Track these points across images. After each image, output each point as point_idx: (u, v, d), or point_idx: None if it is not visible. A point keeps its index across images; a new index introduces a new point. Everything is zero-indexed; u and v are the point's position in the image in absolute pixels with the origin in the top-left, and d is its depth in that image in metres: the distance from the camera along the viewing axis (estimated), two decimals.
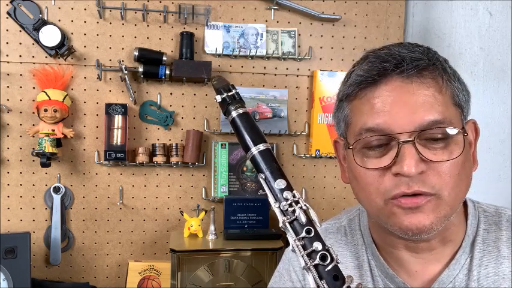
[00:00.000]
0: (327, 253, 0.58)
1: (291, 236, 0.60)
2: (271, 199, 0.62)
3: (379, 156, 0.65)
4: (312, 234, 0.59)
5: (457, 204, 0.67)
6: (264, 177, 0.63)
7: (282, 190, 0.62)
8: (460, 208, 0.72)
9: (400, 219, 0.64)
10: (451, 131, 0.63)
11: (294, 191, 0.61)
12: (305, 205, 0.61)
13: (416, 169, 0.61)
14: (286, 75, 1.67)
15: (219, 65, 1.61)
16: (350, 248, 0.79)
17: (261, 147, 0.64)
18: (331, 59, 1.68)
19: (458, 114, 0.66)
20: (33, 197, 1.54)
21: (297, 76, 1.67)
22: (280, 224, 0.60)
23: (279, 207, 0.61)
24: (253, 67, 1.64)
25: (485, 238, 0.72)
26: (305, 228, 0.59)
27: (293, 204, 0.60)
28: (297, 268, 0.82)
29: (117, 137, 1.52)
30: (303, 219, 0.59)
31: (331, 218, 0.87)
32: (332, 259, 0.58)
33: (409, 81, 0.64)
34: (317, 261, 0.58)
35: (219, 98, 0.66)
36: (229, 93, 0.66)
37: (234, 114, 0.65)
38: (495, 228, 0.72)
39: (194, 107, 1.62)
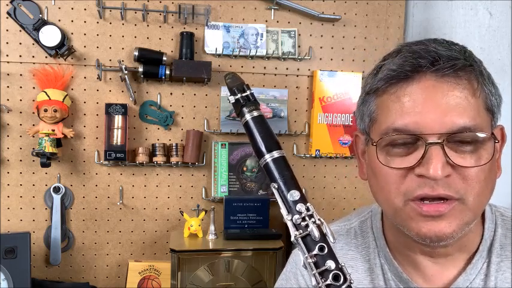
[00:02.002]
0: (340, 273, 0.55)
1: (302, 252, 0.57)
2: (283, 210, 0.59)
3: (403, 155, 0.62)
4: (325, 251, 0.56)
5: (480, 211, 0.65)
6: (276, 186, 0.60)
7: (295, 202, 0.59)
8: None
9: (418, 225, 0.62)
10: (482, 136, 0.60)
11: (308, 204, 0.59)
12: (319, 219, 0.58)
13: (442, 172, 0.58)
14: (286, 75, 1.67)
15: (219, 65, 1.61)
16: (361, 251, 0.77)
17: (275, 154, 0.61)
18: (331, 59, 1.68)
19: (489, 119, 0.64)
20: (33, 197, 1.54)
21: (297, 76, 1.67)
22: (292, 238, 0.58)
23: (291, 220, 0.58)
24: (253, 67, 1.64)
25: (503, 243, 0.70)
26: (318, 245, 0.56)
27: (306, 218, 0.58)
28: (304, 272, 0.79)
29: (117, 137, 1.52)
30: (316, 234, 0.56)
31: (340, 219, 0.85)
32: (345, 279, 0.55)
33: (443, 80, 0.61)
34: (329, 281, 0.55)
35: (232, 98, 0.63)
36: (244, 94, 0.63)
37: (247, 117, 0.62)
38: None
39: (194, 107, 1.61)
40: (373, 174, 0.67)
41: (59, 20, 1.52)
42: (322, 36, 1.67)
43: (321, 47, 1.68)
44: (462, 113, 0.60)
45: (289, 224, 0.58)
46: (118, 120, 1.53)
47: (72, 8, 1.52)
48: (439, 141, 0.59)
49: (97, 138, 1.56)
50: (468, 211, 0.61)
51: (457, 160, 0.60)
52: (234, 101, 0.64)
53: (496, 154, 0.66)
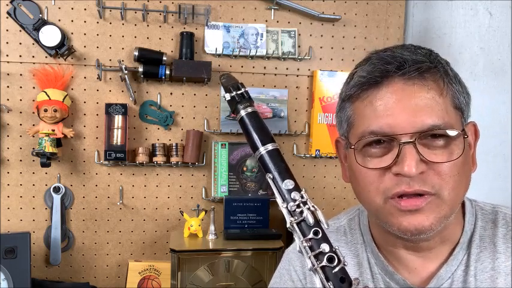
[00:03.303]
0: (334, 255, 0.58)
1: (298, 237, 0.60)
2: (278, 199, 0.62)
3: (380, 156, 0.66)
4: (320, 235, 0.59)
5: (457, 204, 0.68)
6: (271, 177, 0.63)
7: (289, 191, 0.61)
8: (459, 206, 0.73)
9: (398, 220, 0.65)
10: (451, 132, 0.64)
11: (302, 192, 0.61)
12: (313, 206, 0.61)
13: (416, 169, 0.62)
14: (286, 75, 1.67)
15: (219, 65, 1.61)
16: (350, 247, 0.80)
17: (269, 147, 0.63)
18: (331, 59, 1.68)
19: (458, 116, 0.67)
20: (33, 197, 1.54)
21: (297, 76, 1.67)
22: (288, 225, 0.60)
23: (287, 207, 0.61)
24: (253, 67, 1.64)
25: (482, 235, 0.73)
26: (312, 230, 0.59)
27: (301, 205, 0.60)
28: (297, 268, 0.83)
29: (117, 137, 1.52)
30: (311, 220, 0.59)
31: (330, 218, 0.88)
32: (339, 261, 0.58)
33: (410, 83, 0.65)
34: (324, 262, 0.58)
35: (228, 96, 0.66)
36: (238, 92, 0.66)
37: (242, 113, 0.65)
38: (491, 225, 0.74)
39: (194, 107, 1.62)
40: (354, 176, 0.71)
41: (59, 20, 1.52)
42: (322, 36, 1.67)
43: (321, 47, 1.68)
44: (431, 112, 0.64)
45: (285, 212, 0.61)
46: (118, 120, 1.53)
47: (72, 8, 1.52)
48: (411, 140, 0.63)
49: (97, 138, 1.56)
50: (444, 205, 0.65)
51: (430, 157, 0.63)
52: (229, 98, 0.66)
53: (470, 150, 0.70)
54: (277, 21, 1.64)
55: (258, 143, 0.64)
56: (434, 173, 0.64)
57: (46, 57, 1.51)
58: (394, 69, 0.65)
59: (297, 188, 0.62)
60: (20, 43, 1.50)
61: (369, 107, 0.67)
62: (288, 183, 0.62)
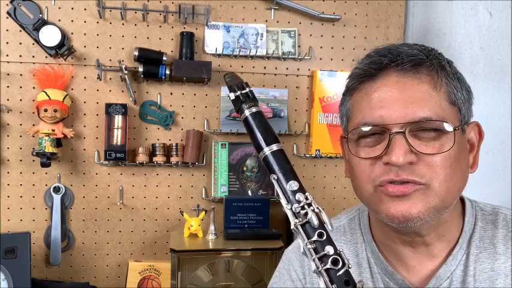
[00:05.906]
0: (338, 257, 0.58)
1: (302, 239, 0.59)
2: (283, 200, 0.62)
3: (372, 146, 0.68)
4: (324, 237, 0.59)
5: (450, 198, 0.67)
6: (276, 178, 0.62)
7: (294, 192, 0.61)
8: (457, 206, 0.73)
9: (386, 206, 0.66)
10: (443, 126, 0.65)
11: (307, 193, 0.61)
12: (317, 208, 0.60)
13: (404, 159, 0.63)
14: (286, 75, 1.67)
15: (219, 65, 1.61)
16: (349, 247, 0.81)
17: (274, 147, 0.63)
18: (331, 59, 1.68)
19: (454, 112, 0.68)
20: (33, 197, 1.54)
21: (297, 76, 1.67)
22: (292, 226, 0.60)
23: (291, 209, 0.61)
24: (253, 67, 1.64)
25: (482, 235, 0.73)
26: (317, 232, 0.59)
27: (305, 206, 0.60)
28: (297, 267, 0.83)
29: (117, 137, 1.52)
30: (315, 222, 0.59)
31: (330, 218, 0.88)
32: (344, 264, 0.58)
33: (405, 76, 0.67)
34: (328, 265, 0.57)
35: (232, 95, 0.66)
36: (243, 91, 0.66)
37: (247, 112, 0.65)
38: (492, 226, 0.74)
39: (194, 107, 1.62)
40: (350, 167, 0.73)
41: (59, 20, 1.52)
42: (322, 36, 1.67)
43: (321, 47, 1.68)
44: (423, 105, 0.65)
45: (289, 213, 0.61)
46: (118, 120, 1.53)
47: (72, 8, 1.52)
48: (401, 130, 0.64)
49: (97, 138, 1.56)
50: (434, 196, 0.65)
51: (420, 148, 0.64)
52: (234, 98, 0.66)
53: (472, 149, 0.71)
54: (277, 21, 1.64)
55: (263, 143, 0.64)
56: (424, 164, 0.64)
57: (46, 57, 1.51)
58: (389, 61, 0.67)
59: (301, 189, 0.62)
60: (20, 43, 1.50)
61: (365, 99, 0.69)
62: (293, 185, 0.61)
